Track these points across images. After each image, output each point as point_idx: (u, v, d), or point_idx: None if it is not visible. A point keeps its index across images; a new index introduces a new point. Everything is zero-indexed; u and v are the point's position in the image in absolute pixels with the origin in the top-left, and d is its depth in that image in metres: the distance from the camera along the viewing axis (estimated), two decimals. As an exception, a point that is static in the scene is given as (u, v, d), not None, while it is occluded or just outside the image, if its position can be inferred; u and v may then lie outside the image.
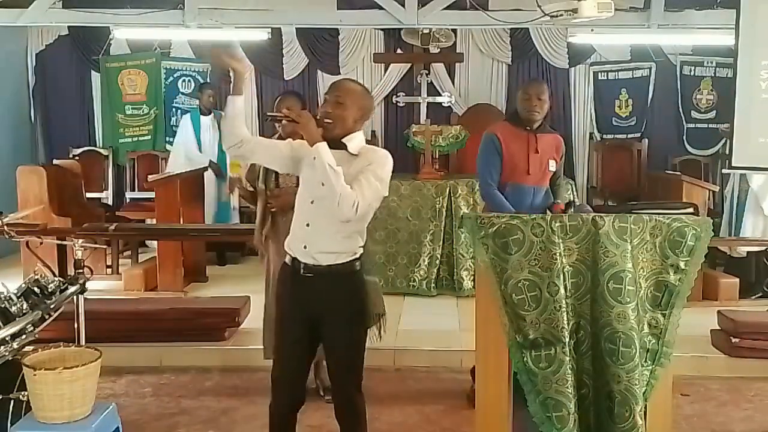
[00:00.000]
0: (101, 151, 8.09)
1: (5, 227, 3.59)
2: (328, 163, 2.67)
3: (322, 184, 2.68)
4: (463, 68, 8.05)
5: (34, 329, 3.00)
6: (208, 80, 7.92)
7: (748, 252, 6.12)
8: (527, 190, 3.88)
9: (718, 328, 4.83)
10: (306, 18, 6.93)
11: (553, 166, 3.96)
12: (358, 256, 2.87)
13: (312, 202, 2.81)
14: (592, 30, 6.82)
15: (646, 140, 8.06)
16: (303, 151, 2.86)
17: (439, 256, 6.13)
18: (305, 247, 2.81)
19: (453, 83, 8.02)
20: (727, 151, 5.86)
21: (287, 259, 2.92)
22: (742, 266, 6.14)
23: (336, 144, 2.79)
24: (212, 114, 7.20)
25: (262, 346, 4.10)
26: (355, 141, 2.86)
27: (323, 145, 2.72)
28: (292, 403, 2.99)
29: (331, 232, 2.79)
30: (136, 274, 6.13)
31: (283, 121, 3.10)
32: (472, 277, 5.91)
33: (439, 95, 7.85)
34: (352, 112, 2.85)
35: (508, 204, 3.81)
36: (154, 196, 6.47)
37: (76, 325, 3.40)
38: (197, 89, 7.65)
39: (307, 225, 2.81)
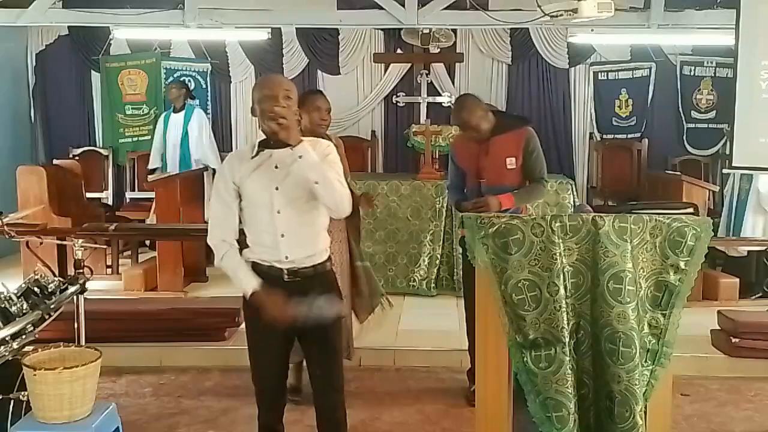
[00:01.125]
0: (101, 151, 8.09)
1: (5, 227, 3.59)
2: (316, 162, 2.59)
3: (316, 183, 2.58)
4: (463, 68, 8.05)
5: (34, 329, 3.00)
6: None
7: (748, 251, 6.12)
8: (485, 192, 3.89)
9: (718, 328, 4.83)
10: (306, 18, 6.94)
11: (512, 163, 3.90)
12: (330, 253, 2.83)
13: (279, 212, 2.65)
14: (592, 30, 6.82)
15: (646, 140, 8.06)
16: (236, 171, 2.69)
17: (439, 256, 6.13)
18: (287, 258, 2.68)
19: (453, 83, 8.01)
20: (728, 151, 5.87)
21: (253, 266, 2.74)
22: (741, 266, 6.14)
23: (283, 143, 2.62)
24: (184, 110, 7.23)
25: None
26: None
27: (308, 145, 2.61)
28: (280, 411, 2.96)
29: (307, 235, 2.71)
30: (136, 274, 6.14)
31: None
32: (472, 277, 5.90)
33: (439, 95, 7.85)
34: (295, 107, 2.72)
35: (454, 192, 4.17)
36: (154, 196, 6.47)
37: (76, 325, 3.40)
38: (167, 88, 7.67)
39: (282, 236, 2.66)
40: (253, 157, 2.69)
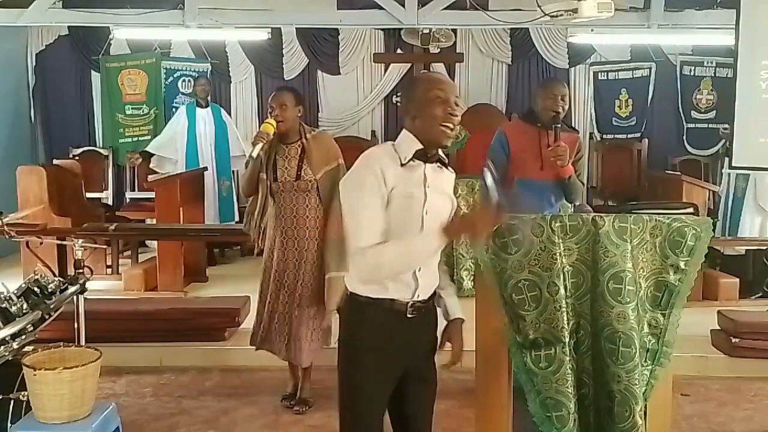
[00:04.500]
0: (101, 151, 8.08)
1: (5, 227, 3.59)
2: None
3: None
4: (463, 68, 8.06)
5: (34, 329, 3.00)
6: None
7: (746, 250, 6.12)
8: (539, 185, 3.81)
9: (718, 328, 4.82)
10: (306, 18, 6.94)
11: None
12: None
13: None
14: (592, 30, 6.82)
15: (646, 140, 8.07)
16: (389, 175, 2.20)
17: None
18: (418, 295, 2.29)
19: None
20: (727, 152, 5.87)
21: (374, 296, 2.26)
22: (739, 265, 6.13)
23: (434, 156, 2.30)
24: (209, 107, 7.20)
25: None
26: None
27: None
28: None
29: (435, 266, 2.39)
30: (136, 274, 6.13)
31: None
32: (472, 277, 5.90)
33: (439, 95, 7.84)
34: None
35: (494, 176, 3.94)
36: (154, 196, 6.47)
37: (76, 325, 3.40)
38: (193, 82, 7.63)
39: (420, 269, 2.28)
40: (403, 164, 2.23)
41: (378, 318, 2.27)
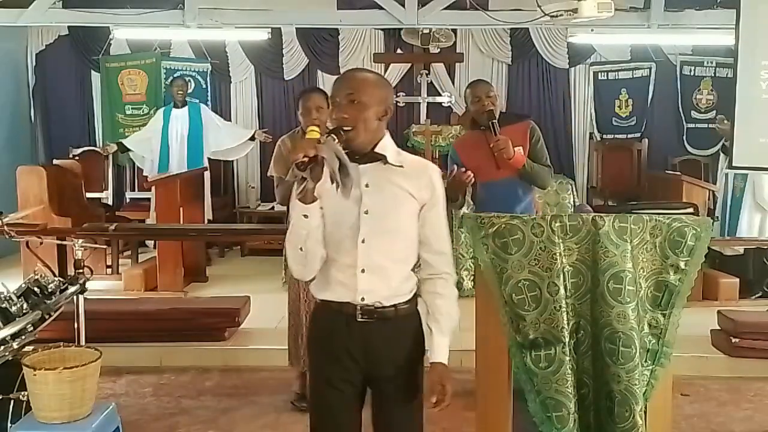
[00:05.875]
0: (101, 151, 8.08)
1: (5, 227, 3.59)
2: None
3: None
4: (463, 68, 8.07)
5: (34, 329, 2.99)
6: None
7: (745, 249, 6.12)
8: (501, 184, 3.83)
9: (718, 328, 4.83)
10: (306, 18, 6.94)
11: (520, 153, 3.84)
12: (415, 291, 2.27)
13: (363, 241, 2.14)
14: (592, 30, 6.83)
15: (646, 140, 8.08)
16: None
17: (439, 256, 6.12)
18: (362, 299, 2.16)
19: (453, 83, 8.02)
20: (725, 151, 5.87)
21: (320, 297, 2.26)
22: (739, 265, 6.13)
23: (369, 156, 2.17)
24: (186, 106, 7.21)
25: (264, 346, 4.07)
26: (390, 148, 2.22)
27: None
28: None
29: (392, 273, 2.19)
30: (136, 274, 6.13)
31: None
32: (472, 277, 5.90)
33: (439, 95, 7.86)
34: (374, 110, 2.17)
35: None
36: (150, 196, 6.48)
37: (76, 325, 3.40)
38: (170, 83, 7.62)
39: (363, 271, 2.15)
40: None
41: (325, 318, 2.24)
